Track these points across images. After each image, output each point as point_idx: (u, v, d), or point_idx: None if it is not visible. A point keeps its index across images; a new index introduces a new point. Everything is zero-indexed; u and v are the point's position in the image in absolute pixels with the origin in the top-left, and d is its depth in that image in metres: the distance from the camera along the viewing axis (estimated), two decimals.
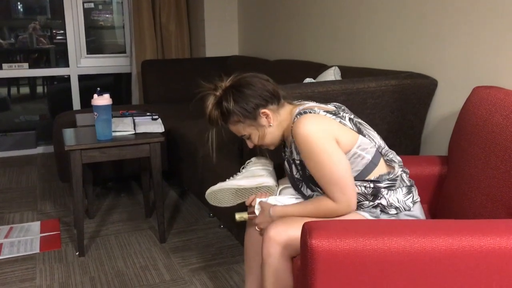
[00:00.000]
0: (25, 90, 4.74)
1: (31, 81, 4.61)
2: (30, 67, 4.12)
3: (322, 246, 1.12)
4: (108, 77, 4.41)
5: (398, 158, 1.54)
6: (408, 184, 1.50)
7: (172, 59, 4.02)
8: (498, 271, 1.12)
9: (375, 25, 2.44)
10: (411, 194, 1.48)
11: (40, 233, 2.59)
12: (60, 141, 2.76)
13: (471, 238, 1.12)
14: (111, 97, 2.23)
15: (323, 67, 2.66)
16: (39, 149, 4.27)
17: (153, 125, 2.46)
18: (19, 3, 4.16)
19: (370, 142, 1.44)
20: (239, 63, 3.80)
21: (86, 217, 2.78)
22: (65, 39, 4.08)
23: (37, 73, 4.23)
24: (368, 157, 1.43)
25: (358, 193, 1.44)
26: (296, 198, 1.58)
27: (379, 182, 1.43)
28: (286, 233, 1.40)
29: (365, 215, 1.46)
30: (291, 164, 1.55)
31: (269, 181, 1.64)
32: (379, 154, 1.45)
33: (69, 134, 2.37)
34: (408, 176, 1.53)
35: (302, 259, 1.19)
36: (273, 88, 1.50)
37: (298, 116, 1.42)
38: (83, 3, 4.08)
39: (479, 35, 1.85)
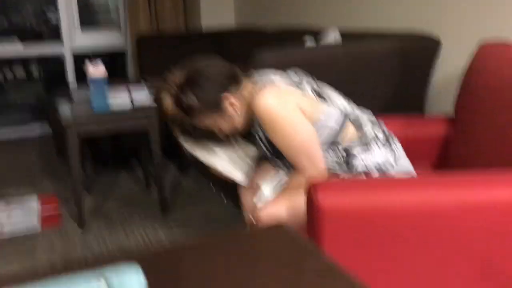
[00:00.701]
0: (20, 73, 4.68)
1: (25, 64, 4.53)
2: (24, 46, 4.03)
3: (329, 203, 1.09)
4: (103, 56, 4.33)
5: (372, 118, 1.46)
6: (384, 142, 1.40)
7: (169, 35, 3.93)
8: None
9: None
10: (389, 151, 1.39)
11: (40, 209, 2.56)
12: (56, 118, 2.71)
13: (487, 191, 1.08)
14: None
15: (323, 32, 2.60)
16: (36, 130, 4.22)
17: (150, 98, 2.40)
18: None
19: (335, 110, 1.37)
20: (237, 38, 3.73)
21: (86, 192, 2.74)
22: (58, 16, 3.99)
23: (31, 52, 4.15)
24: (334, 125, 1.36)
25: (331, 161, 1.38)
26: (275, 188, 1.53)
27: (349, 149, 1.37)
28: (277, 214, 1.36)
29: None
30: (258, 140, 1.49)
31: (240, 177, 1.57)
32: (345, 120, 1.38)
33: (65, 109, 2.32)
34: (385, 133, 1.43)
35: (308, 218, 1.15)
36: (230, 71, 1.42)
37: (258, 91, 1.35)
38: None
39: None
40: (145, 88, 2.58)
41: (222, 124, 1.44)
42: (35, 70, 4.73)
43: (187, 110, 1.39)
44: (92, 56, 4.15)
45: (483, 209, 1.08)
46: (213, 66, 1.41)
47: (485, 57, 1.55)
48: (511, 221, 1.08)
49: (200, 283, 0.40)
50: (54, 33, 4.17)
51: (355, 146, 1.37)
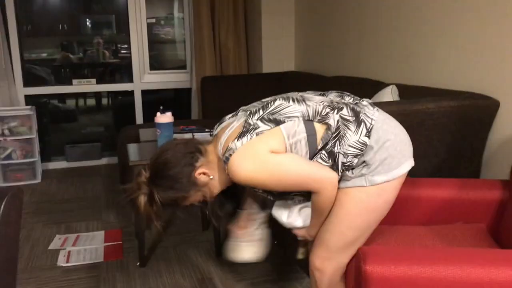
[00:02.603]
0: (91, 102, 5.00)
1: (97, 94, 4.86)
2: (97, 82, 4.35)
3: (376, 272, 1.13)
4: (169, 92, 4.58)
5: (328, 98, 1.43)
6: (353, 118, 1.36)
7: (230, 76, 4.12)
8: None
9: (435, 43, 2.40)
10: (361, 126, 1.36)
11: (104, 242, 2.73)
12: (124, 154, 2.90)
13: None
14: (171, 111, 2.35)
15: (380, 85, 2.65)
16: (104, 160, 4.49)
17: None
18: (87, 19, 4.41)
19: (294, 122, 1.35)
20: (294, 79, 3.84)
21: (147, 228, 2.89)
22: (130, 53, 4.29)
23: (104, 88, 4.47)
24: (303, 135, 1.35)
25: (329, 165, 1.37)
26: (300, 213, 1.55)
27: (326, 144, 1.35)
28: (330, 260, 1.45)
29: (356, 183, 1.38)
30: (253, 192, 1.50)
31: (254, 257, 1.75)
32: (309, 122, 1.36)
33: (133, 149, 2.49)
34: (350, 106, 1.39)
35: (355, 285, 1.20)
36: (189, 147, 1.44)
37: (226, 163, 1.35)
38: (147, 18, 4.28)
39: None
40: (206, 131, 2.73)
41: (205, 193, 1.47)
42: (106, 101, 5.03)
43: (169, 203, 1.44)
44: (159, 90, 4.40)
45: None
46: (171, 151, 1.43)
47: None
48: None
49: None
50: (125, 70, 4.47)
51: (329, 140, 1.35)
